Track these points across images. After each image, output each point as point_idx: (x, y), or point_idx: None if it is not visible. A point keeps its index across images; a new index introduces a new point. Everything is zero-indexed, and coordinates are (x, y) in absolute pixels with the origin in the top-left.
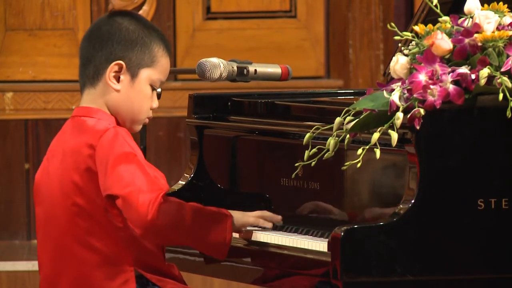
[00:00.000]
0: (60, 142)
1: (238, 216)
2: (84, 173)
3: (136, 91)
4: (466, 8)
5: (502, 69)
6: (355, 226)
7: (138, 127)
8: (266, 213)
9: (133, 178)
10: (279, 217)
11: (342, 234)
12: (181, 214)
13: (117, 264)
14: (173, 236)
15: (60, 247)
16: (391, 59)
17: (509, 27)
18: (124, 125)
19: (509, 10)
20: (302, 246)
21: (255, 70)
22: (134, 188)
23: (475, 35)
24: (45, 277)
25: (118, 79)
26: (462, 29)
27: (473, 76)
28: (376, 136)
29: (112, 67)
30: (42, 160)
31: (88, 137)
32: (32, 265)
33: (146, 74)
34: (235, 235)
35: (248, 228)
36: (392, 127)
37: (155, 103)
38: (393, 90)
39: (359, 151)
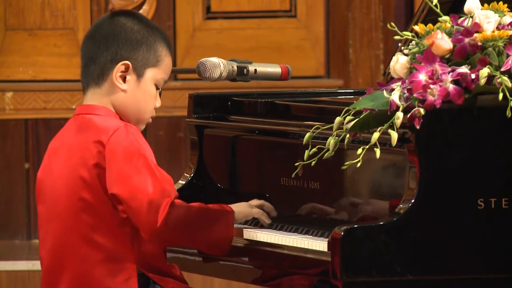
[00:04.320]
0: (63, 140)
1: (242, 209)
2: (93, 168)
3: (142, 91)
4: (466, 7)
5: (502, 69)
6: (355, 226)
7: (142, 127)
8: (266, 203)
9: (140, 181)
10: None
11: (342, 234)
12: (188, 219)
13: (120, 261)
14: (180, 240)
15: (62, 243)
16: (391, 59)
17: (509, 26)
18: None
19: (509, 10)
20: (302, 246)
21: (255, 69)
22: (141, 192)
23: (475, 34)
24: (47, 274)
25: (124, 79)
26: (462, 28)
27: (473, 76)
28: (376, 136)
29: (119, 68)
30: (42, 160)
31: (96, 133)
32: (32, 265)
33: (151, 74)
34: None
35: (244, 226)
36: (392, 127)
37: (158, 102)
38: (393, 89)
39: (359, 151)
